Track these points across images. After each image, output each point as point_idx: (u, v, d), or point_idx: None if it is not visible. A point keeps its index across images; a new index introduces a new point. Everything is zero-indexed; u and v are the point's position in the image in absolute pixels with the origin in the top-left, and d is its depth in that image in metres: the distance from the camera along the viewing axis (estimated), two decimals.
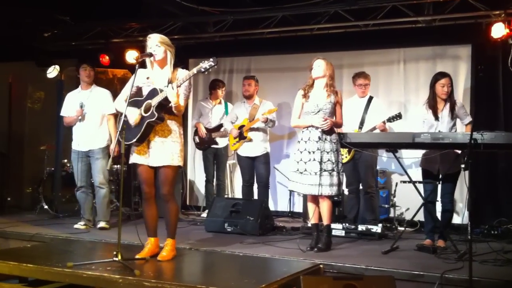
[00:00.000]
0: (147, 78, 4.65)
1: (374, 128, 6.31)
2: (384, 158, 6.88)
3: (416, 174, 5.74)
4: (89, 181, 6.52)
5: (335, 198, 5.73)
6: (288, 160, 8.11)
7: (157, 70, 4.66)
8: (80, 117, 6.36)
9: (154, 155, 4.58)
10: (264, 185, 7.07)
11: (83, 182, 6.46)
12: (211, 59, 4.38)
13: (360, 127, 6.45)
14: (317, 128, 5.16)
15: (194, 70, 4.43)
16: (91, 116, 6.41)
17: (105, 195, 6.41)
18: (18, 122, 9.14)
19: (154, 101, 4.47)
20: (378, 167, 7.18)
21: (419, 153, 5.65)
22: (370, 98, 6.63)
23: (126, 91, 4.72)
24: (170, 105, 4.46)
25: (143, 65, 4.70)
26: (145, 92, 4.62)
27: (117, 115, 6.01)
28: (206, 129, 7.67)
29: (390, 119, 6.31)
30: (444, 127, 5.40)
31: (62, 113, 6.62)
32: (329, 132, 5.18)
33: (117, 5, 7.70)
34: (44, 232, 6.01)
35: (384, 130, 6.31)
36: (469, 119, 5.53)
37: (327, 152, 5.14)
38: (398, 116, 6.32)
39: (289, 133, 8.19)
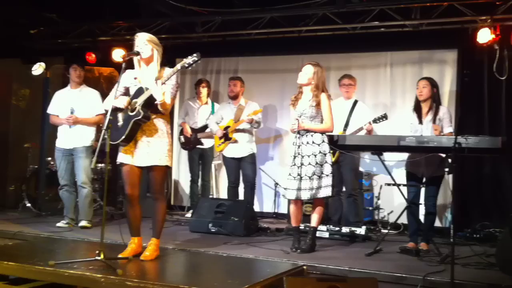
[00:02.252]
0: (135, 78, 4.63)
1: (361, 129, 6.34)
2: (367, 160, 6.90)
3: (401, 176, 5.75)
4: (72, 180, 6.46)
5: None
6: (274, 162, 8.13)
7: (144, 69, 4.63)
8: (69, 125, 6.32)
9: (141, 155, 4.55)
10: (250, 186, 7.06)
11: (67, 180, 6.42)
12: (195, 54, 4.40)
13: (345, 129, 6.47)
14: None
15: (178, 66, 4.43)
16: (79, 116, 6.35)
17: (87, 195, 6.36)
18: (2, 120, 9.04)
19: (140, 100, 4.45)
20: (363, 170, 7.22)
21: (404, 155, 5.67)
22: (355, 102, 6.66)
23: (114, 92, 4.71)
24: (156, 102, 4.44)
25: (130, 64, 4.67)
26: (132, 91, 4.61)
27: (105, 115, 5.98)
28: (192, 129, 7.66)
29: (376, 120, 6.34)
30: (428, 133, 5.40)
31: (49, 111, 6.56)
32: (310, 135, 5.18)
33: (104, 4, 7.68)
34: (27, 230, 5.96)
35: (371, 131, 6.34)
36: (450, 129, 5.41)
37: (308, 156, 5.15)
38: (384, 117, 6.35)
39: (275, 135, 8.20)
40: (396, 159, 6.22)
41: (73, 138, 6.32)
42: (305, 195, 5.14)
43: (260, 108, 7.11)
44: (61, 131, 6.45)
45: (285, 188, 5.24)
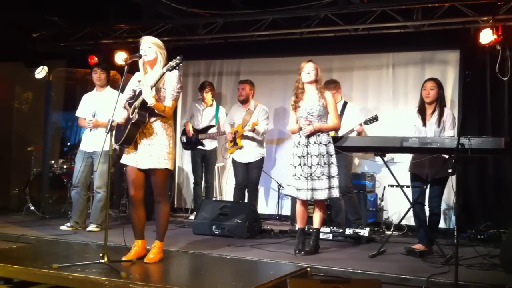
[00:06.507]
0: (139, 81, 4.68)
1: (352, 131, 6.32)
2: (370, 162, 6.88)
3: (405, 178, 5.73)
4: (86, 183, 6.48)
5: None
6: (277, 163, 8.12)
7: (149, 72, 4.67)
8: (91, 128, 6.32)
9: (141, 157, 4.58)
10: (253, 189, 7.07)
11: (79, 182, 6.40)
12: (178, 57, 4.45)
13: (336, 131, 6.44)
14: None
15: (164, 70, 4.48)
16: (102, 118, 6.24)
17: (100, 199, 6.32)
18: (5, 123, 9.06)
19: (137, 103, 4.52)
20: (366, 171, 7.20)
21: (408, 158, 5.65)
22: (345, 103, 6.64)
23: (119, 98, 4.74)
24: (148, 106, 4.47)
25: (136, 67, 4.72)
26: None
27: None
28: (194, 130, 7.65)
29: (367, 121, 6.35)
30: (432, 135, 5.36)
31: (77, 114, 6.57)
32: (317, 135, 5.17)
33: (106, 7, 7.69)
34: (30, 234, 5.97)
35: (361, 132, 6.33)
36: (450, 133, 5.35)
37: (316, 156, 5.12)
38: (375, 119, 6.35)
39: (277, 137, 8.19)
40: (402, 161, 6.20)
41: (93, 142, 6.28)
42: (319, 195, 5.09)
43: (265, 115, 7.10)
44: (84, 134, 6.49)
45: (297, 189, 5.14)
